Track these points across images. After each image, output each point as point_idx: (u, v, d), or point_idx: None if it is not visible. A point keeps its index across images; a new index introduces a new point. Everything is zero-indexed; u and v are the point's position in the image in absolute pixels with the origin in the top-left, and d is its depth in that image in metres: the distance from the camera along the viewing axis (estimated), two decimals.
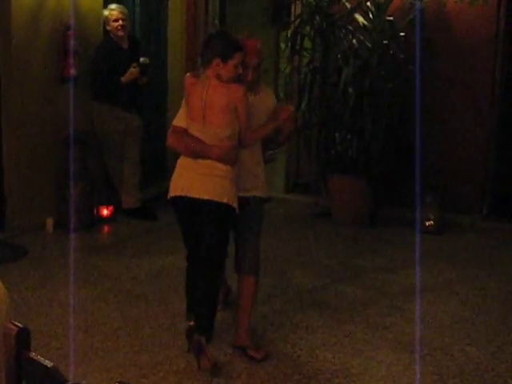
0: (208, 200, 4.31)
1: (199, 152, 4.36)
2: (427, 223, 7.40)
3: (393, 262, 6.48)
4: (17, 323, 1.83)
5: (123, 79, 7.26)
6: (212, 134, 4.33)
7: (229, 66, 4.30)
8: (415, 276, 6.01)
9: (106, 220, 7.42)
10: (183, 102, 4.56)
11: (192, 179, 4.38)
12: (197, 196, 4.34)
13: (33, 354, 1.83)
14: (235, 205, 4.37)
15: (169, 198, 4.53)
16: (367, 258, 6.46)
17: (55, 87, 6.96)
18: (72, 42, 6.99)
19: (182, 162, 4.49)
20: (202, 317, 4.38)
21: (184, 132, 4.45)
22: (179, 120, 4.52)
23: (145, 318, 5.14)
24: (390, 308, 5.48)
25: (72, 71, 7.02)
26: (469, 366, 4.59)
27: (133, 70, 7.29)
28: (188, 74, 4.60)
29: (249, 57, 4.43)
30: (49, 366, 1.79)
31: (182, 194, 4.40)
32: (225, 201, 4.31)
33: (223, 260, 4.60)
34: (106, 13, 7.36)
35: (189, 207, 4.45)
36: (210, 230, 4.40)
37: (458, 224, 7.66)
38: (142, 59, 7.42)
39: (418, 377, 4.42)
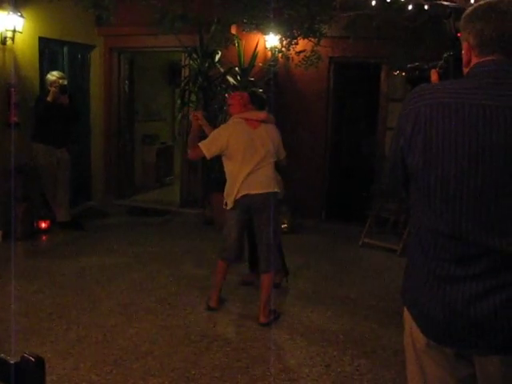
0: None
1: None
2: (283, 226, 7.47)
3: None
4: None
5: (48, 99, 6.78)
6: None
7: None
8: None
9: (44, 231, 7.09)
10: None
11: None
12: None
13: None
14: None
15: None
16: None
17: (1, 131, 6.65)
18: (14, 97, 6.73)
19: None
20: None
21: None
22: None
23: (72, 304, 4.94)
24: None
25: (14, 119, 6.76)
26: (312, 328, 4.64)
27: (53, 90, 6.81)
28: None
29: None
30: None
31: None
32: None
33: None
34: (50, 77, 6.95)
35: None
36: None
37: (304, 226, 7.77)
38: (61, 81, 6.92)
39: (276, 336, 4.45)
